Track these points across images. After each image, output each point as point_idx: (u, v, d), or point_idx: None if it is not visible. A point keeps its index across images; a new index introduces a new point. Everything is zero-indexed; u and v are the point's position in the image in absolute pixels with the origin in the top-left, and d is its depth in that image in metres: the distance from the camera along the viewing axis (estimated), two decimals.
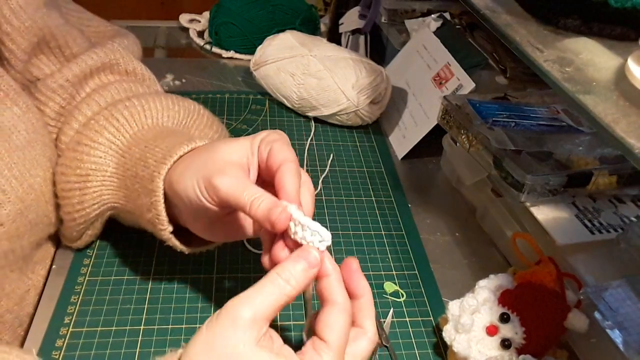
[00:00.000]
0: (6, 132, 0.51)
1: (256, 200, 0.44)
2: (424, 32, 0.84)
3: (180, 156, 0.51)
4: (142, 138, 0.55)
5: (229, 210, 0.49)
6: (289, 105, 0.88)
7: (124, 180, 0.54)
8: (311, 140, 0.84)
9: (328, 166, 0.78)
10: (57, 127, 0.58)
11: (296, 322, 0.57)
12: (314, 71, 0.84)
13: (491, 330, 0.52)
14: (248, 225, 0.52)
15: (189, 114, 0.60)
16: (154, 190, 0.51)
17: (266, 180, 0.48)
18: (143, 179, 0.52)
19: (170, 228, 0.52)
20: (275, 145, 0.47)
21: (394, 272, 0.64)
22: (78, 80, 0.59)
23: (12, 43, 0.56)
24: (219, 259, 0.63)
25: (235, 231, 0.53)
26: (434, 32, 0.83)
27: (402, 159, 0.82)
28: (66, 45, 0.60)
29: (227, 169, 0.46)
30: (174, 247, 0.54)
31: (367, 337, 0.42)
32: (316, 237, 0.42)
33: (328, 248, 0.42)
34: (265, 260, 0.46)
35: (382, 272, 0.64)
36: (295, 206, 0.43)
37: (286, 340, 0.40)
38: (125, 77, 0.63)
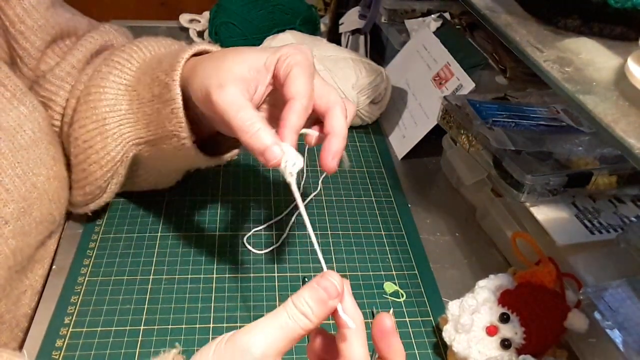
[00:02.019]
0: (11, 132, 0.51)
1: (251, 127, 0.43)
2: (424, 32, 0.84)
3: (187, 59, 0.52)
4: (147, 67, 0.56)
5: None
6: None
7: (142, 109, 0.55)
8: None
9: None
10: None
11: None
12: None
13: (491, 331, 0.52)
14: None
15: (182, 47, 0.60)
16: (173, 98, 0.51)
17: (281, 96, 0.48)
18: (160, 95, 0.53)
19: (192, 137, 0.53)
20: (294, 72, 0.46)
21: (394, 272, 0.64)
22: (82, 65, 0.60)
23: (26, 41, 0.57)
24: (219, 259, 0.63)
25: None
26: (434, 32, 0.83)
27: (402, 159, 0.82)
28: (74, 34, 0.62)
29: (229, 84, 0.45)
30: (198, 163, 0.56)
31: None
32: (290, 161, 0.43)
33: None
34: None
35: (382, 272, 0.64)
36: (289, 144, 0.44)
37: None
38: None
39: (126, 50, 0.58)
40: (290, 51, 0.47)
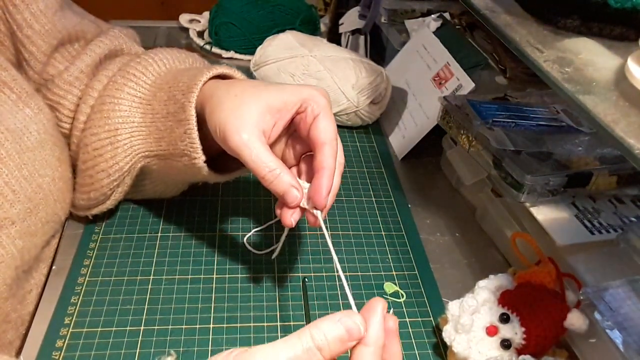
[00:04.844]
0: (18, 134, 0.52)
1: (271, 174, 0.47)
2: (423, 32, 0.84)
3: (205, 82, 0.53)
4: (163, 82, 0.57)
5: None
6: None
7: (155, 124, 0.56)
8: None
9: None
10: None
11: (296, 323, 0.57)
12: (314, 71, 0.84)
13: (491, 331, 0.52)
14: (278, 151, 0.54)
15: (196, 60, 0.63)
16: (187, 119, 0.52)
17: (292, 130, 0.52)
18: (175, 114, 0.54)
19: (204, 157, 0.54)
20: (321, 119, 0.48)
21: (394, 273, 0.64)
22: (91, 70, 0.61)
23: (33, 45, 0.57)
24: (219, 259, 0.63)
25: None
26: (434, 32, 0.83)
27: (402, 159, 0.82)
28: (83, 38, 0.62)
29: (245, 130, 0.47)
30: (207, 179, 0.57)
31: None
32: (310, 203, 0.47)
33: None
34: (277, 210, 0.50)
35: (382, 272, 0.64)
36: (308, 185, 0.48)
37: None
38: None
39: (142, 63, 0.59)
40: (314, 93, 0.50)
